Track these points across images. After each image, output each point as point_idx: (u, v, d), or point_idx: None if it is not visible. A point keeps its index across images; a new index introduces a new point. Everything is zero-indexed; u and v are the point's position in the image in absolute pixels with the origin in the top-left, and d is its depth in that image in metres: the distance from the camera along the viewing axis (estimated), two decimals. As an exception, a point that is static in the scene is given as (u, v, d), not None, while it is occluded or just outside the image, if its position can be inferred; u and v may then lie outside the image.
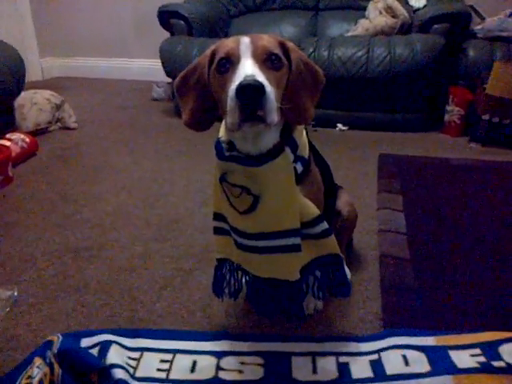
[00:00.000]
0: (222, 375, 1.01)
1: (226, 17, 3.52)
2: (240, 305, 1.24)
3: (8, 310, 1.22)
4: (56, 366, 0.97)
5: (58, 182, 2.07)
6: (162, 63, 3.06)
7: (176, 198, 1.90)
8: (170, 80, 3.28)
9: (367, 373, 1.01)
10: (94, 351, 1.04)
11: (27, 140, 2.34)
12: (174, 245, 1.54)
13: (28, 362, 1.01)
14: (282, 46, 0.92)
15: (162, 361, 1.05)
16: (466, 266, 1.41)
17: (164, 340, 1.10)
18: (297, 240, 0.98)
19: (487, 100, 2.45)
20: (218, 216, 1.09)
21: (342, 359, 1.05)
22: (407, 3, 3.03)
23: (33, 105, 2.69)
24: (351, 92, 2.75)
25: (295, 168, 0.96)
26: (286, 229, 0.98)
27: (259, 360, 1.05)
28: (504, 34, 2.76)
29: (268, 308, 1.17)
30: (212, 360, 1.05)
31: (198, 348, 1.08)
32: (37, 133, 2.64)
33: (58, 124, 2.85)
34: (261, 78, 0.81)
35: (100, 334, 1.10)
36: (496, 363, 0.98)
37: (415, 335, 1.10)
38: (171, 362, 1.05)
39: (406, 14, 2.93)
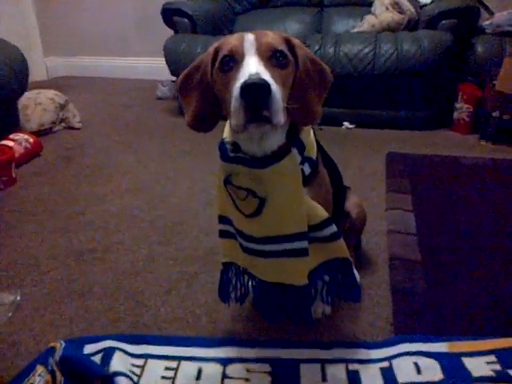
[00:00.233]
0: (229, 384, 0.98)
1: (230, 14, 3.48)
2: (246, 310, 1.20)
3: (10, 315, 1.20)
4: (58, 374, 0.95)
5: (62, 183, 2.05)
6: (166, 61, 3.04)
7: (180, 199, 1.88)
8: (174, 78, 3.25)
9: (378, 381, 0.98)
10: (98, 358, 1.02)
11: (31, 140, 2.33)
12: (179, 247, 1.52)
13: (30, 369, 0.99)
14: (288, 42, 0.88)
15: (167, 368, 1.02)
16: (479, 269, 1.37)
17: (169, 346, 1.08)
18: (304, 244, 0.95)
19: (497, 97, 2.40)
20: (223, 219, 1.07)
21: (352, 367, 1.02)
22: (414, -2, 2.98)
23: (37, 105, 2.67)
24: (358, 89, 2.71)
25: (302, 170, 0.93)
26: (292, 232, 0.94)
27: (266, 367, 1.02)
28: (514, 28, 2.70)
29: (275, 313, 1.14)
30: (218, 367, 1.02)
31: (204, 355, 1.05)
32: (41, 133, 2.62)
33: (63, 124, 2.83)
34: (266, 76, 0.77)
35: (103, 340, 1.08)
36: (512, 372, 0.95)
37: (427, 341, 1.06)
38: (176, 369, 1.02)
39: (413, 10, 2.88)
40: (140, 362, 1.04)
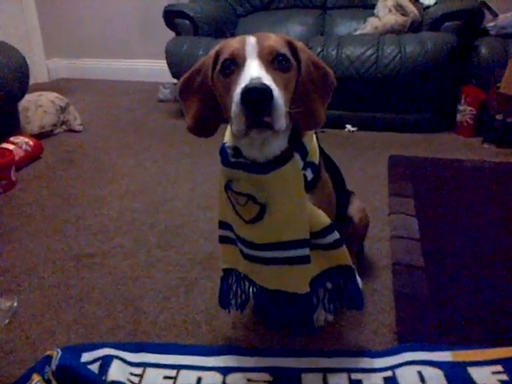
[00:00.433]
0: (228, 393, 0.96)
1: (232, 16, 3.47)
2: (247, 317, 1.18)
3: (7, 321, 1.18)
4: (54, 383, 0.93)
5: (62, 187, 2.03)
6: (168, 64, 3.02)
7: (181, 202, 1.86)
8: (175, 81, 3.23)
9: (381, 391, 0.95)
10: (95, 366, 1.00)
11: (31, 143, 2.31)
12: (179, 252, 1.50)
13: (26, 378, 0.97)
14: (290, 45, 0.86)
15: (166, 377, 1.00)
16: (484, 274, 1.34)
17: (168, 355, 1.06)
18: (306, 251, 0.93)
19: (501, 99, 2.38)
20: (223, 224, 1.05)
21: (355, 376, 0.99)
22: (417, 0, 2.95)
23: (37, 107, 2.66)
24: (360, 92, 2.69)
25: (305, 175, 0.91)
26: (294, 239, 0.93)
27: (267, 377, 0.99)
28: (518, 31, 2.68)
29: (276, 320, 1.12)
30: (217, 377, 1.00)
31: (203, 364, 1.03)
32: (42, 136, 2.60)
33: (63, 127, 2.82)
34: (268, 80, 0.75)
35: (101, 347, 1.06)
36: (519, 382, 0.92)
37: (431, 350, 1.04)
38: (175, 378, 1.00)
39: (416, 12, 2.86)
40: (138, 370, 1.01)
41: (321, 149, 1.01)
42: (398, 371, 0.99)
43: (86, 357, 1.03)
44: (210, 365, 1.03)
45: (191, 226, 1.66)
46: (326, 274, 0.99)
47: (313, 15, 3.33)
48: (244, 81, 0.76)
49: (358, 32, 3.01)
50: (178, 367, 1.02)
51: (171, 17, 3.15)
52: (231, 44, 0.84)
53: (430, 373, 0.98)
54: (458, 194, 1.89)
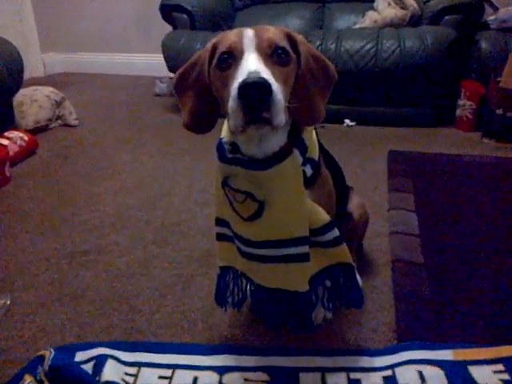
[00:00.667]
0: (225, 394, 0.94)
1: (230, 10, 3.43)
2: (244, 315, 1.16)
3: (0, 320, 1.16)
4: (47, 384, 0.91)
5: (57, 182, 2.00)
6: (165, 58, 2.99)
7: (178, 199, 1.83)
8: (172, 75, 3.20)
9: (381, 391, 0.94)
10: (89, 366, 0.98)
11: (26, 138, 2.28)
12: (175, 249, 1.48)
13: (18, 378, 0.95)
14: (290, 38, 0.84)
15: (161, 377, 0.98)
16: (484, 271, 1.33)
17: (163, 354, 1.04)
18: (305, 249, 0.91)
19: (501, 94, 2.36)
20: (220, 221, 1.03)
21: (354, 375, 0.98)
22: (417, -6, 2.93)
23: (32, 102, 2.62)
24: (359, 86, 2.66)
25: (304, 171, 0.89)
26: (293, 237, 0.90)
27: (264, 376, 0.98)
28: (518, 24, 2.65)
29: (274, 319, 1.10)
30: (214, 376, 0.98)
31: (199, 363, 1.01)
32: (37, 130, 2.58)
33: (59, 121, 2.78)
34: (266, 74, 0.73)
35: (95, 347, 1.04)
36: (521, 381, 0.91)
37: (431, 349, 1.02)
38: (170, 378, 0.98)
39: (416, 6, 2.83)
40: (133, 370, 0.99)
41: (320, 144, 0.99)
42: (398, 370, 0.98)
43: (80, 356, 1.01)
44: (206, 364, 1.01)
45: (188, 223, 1.64)
46: (325, 271, 0.97)
47: (312, 9, 3.29)
48: (242, 75, 0.73)
49: (357, 26, 2.98)
50: (174, 367, 1.00)
51: (168, 10, 3.11)
52: (228, 37, 0.81)
53: (431, 372, 0.97)
54: (457, 188, 1.87)
